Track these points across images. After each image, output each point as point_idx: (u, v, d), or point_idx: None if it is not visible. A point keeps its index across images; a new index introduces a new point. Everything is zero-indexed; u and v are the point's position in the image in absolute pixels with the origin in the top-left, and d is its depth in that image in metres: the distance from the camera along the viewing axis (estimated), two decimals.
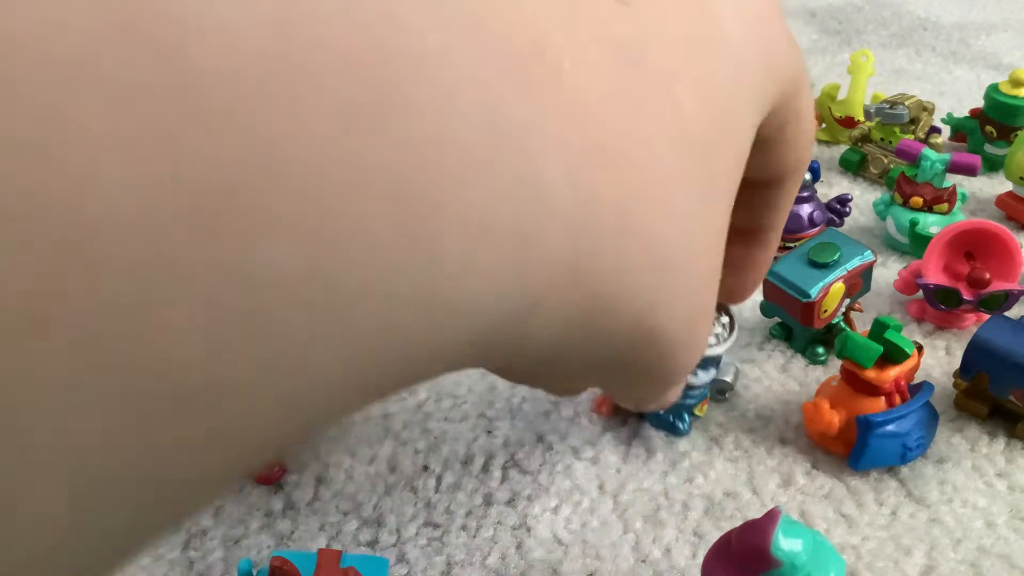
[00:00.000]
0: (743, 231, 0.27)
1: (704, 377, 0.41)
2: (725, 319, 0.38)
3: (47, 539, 0.09)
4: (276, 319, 0.10)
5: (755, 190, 0.25)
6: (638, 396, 0.24)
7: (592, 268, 0.14)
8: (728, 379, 0.45)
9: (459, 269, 0.12)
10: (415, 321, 0.12)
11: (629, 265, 0.15)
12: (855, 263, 0.46)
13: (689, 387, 0.41)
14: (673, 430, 0.44)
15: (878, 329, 0.40)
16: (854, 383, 0.41)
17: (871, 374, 0.40)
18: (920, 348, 0.42)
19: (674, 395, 0.25)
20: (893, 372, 0.40)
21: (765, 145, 0.22)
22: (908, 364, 0.41)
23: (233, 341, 0.09)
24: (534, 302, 0.14)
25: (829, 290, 0.45)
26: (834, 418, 0.41)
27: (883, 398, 0.41)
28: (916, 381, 0.43)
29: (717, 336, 0.38)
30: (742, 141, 0.18)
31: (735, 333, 0.38)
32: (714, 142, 0.17)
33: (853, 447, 0.41)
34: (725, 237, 0.19)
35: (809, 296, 0.45)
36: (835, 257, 0.45)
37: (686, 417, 0.43)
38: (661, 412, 0.43)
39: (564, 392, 0.21)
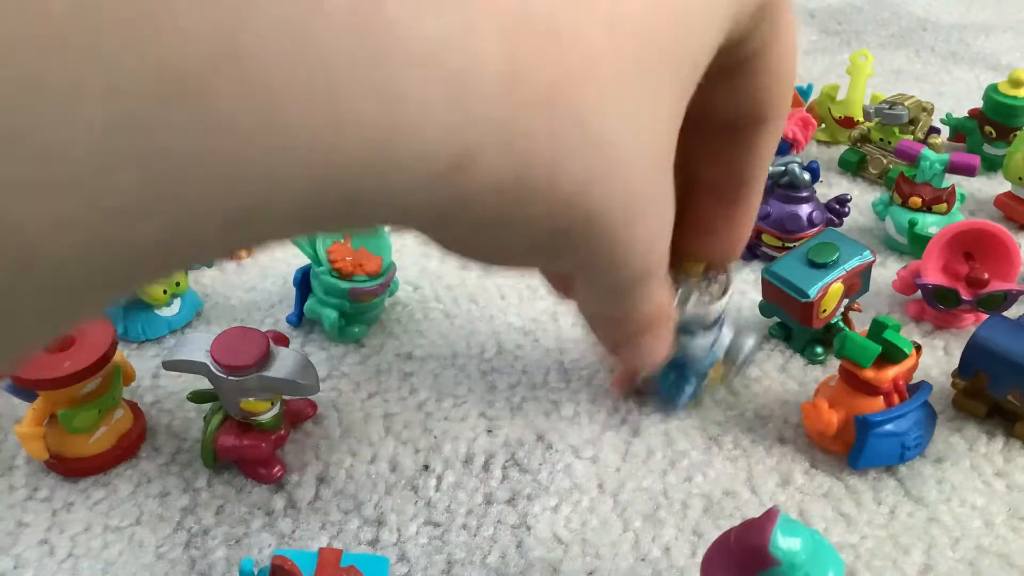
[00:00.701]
0: (722, 189, 0.26)
1: (702, 342, 0.39)
2: (722, 277, 0.37)
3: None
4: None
5: (732, 134, 0.24)
6: (597, 305, 0.23)
7: (525, 134, 0.15)
8: (747, 343, 0.42)
9: (407, 96, 0.13)
10: (361, 147, 0.13)
11: (561, 139, 0.15)
12: (854, 263, 0.46)
13: (686, 353, 0.39)
14: (675, 399, 0.43)
15: (877, 329, 0.41)
16: (853, 383, 0.41)
17: (869, 374, 0.40)
18: (918, 348, 0.43)
19: (650, 334, 0.24)
20: (892, 372, 0.40)
21: (741, 69, 0.22)
22: (907, 364, 0.41)
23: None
24: (467, 153, 0.14)
25: (828, 290, 0.45)
26: (833, 418, 0.41)
27: (881, 398, 0.41)
28: (914, 381, 0.43)
29: (706, 297, 0.37)
30: (701, 32, 0.18)
31: (728, 295, 0.37)
32: (661, 27, 0.17)
33: (852, 446, 0.41)
34: (675, 133, 0.19)
35: (808, 296, 0.45)
36: (834, 257, 0.46)
37: (687, 388, 0.42)
38: (672, 376, 0.42)
39: (505, 268, 0.21)
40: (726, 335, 0.44)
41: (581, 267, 0.20)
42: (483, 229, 0.16)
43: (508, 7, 0.14)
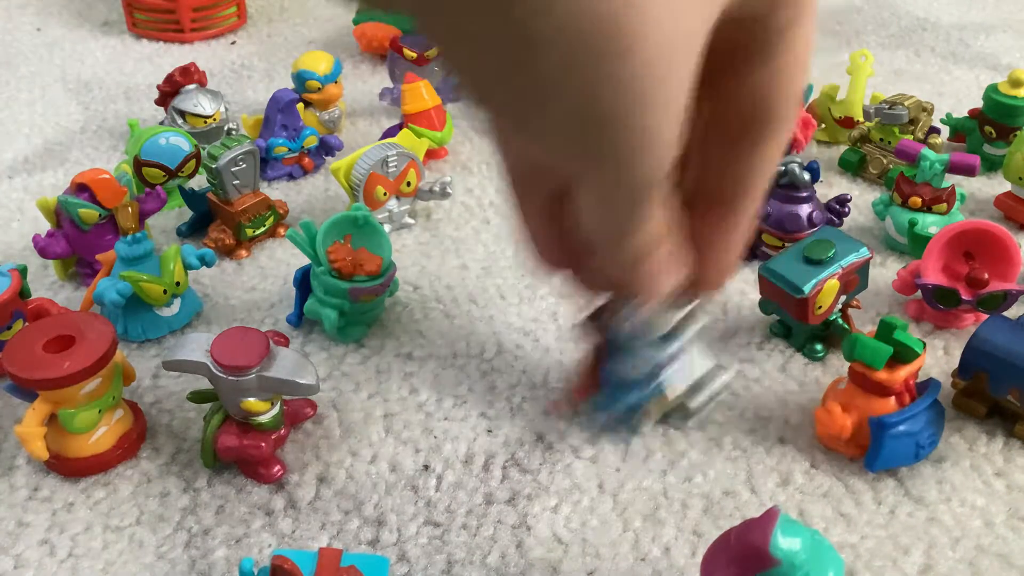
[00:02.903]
0: (719, 201, 0.26)
1: (641, 363, 0.35)
2: (688, 306, 0.35)
3: None
4: None
5: (738, 139, 0.24)
6: (599, 217, 0.22)
7: None
8: (696, 400, 0.38)
9: None
10: None
11: None
12: (850, 259, 0.46)
13: (622, 371, 0.35)
14: (617, 432, 0.40)
15: (886, 330, 0.40)
16: (864, 385, 0.41)
17: (882, 375, 0.40)
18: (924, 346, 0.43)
19: (653, 259, 0.24)
20: (903, 372, 0.40)
21: (756, 58, 0.22)
22: (917, 363, 0.41)
23: None
24: None
25: (823, 286, 0.45)
26: (847, 421, 0.41)
27: (893, 398, 0.41)
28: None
29: (663, 319, 0.35)
30: None
31: (698, 324, 0.35)
32: None
33: (867, 449, 0.41)
34: (702, 38, 0.19)
35: (803, 292, 0.45)
36: (830, 254, 0.46)
37: (610, 411, 0.37)
38: (615, 407, 0.39)
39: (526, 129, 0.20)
40: (695, 368, 0.41)
41: (595, 146, 0.19)
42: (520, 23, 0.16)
43: None
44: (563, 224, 0.27)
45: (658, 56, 0.17)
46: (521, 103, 0.19)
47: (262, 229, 0.59)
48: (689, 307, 0.34)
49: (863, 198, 0.64)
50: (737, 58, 0.22)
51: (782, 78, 0.22)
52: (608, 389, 0.39)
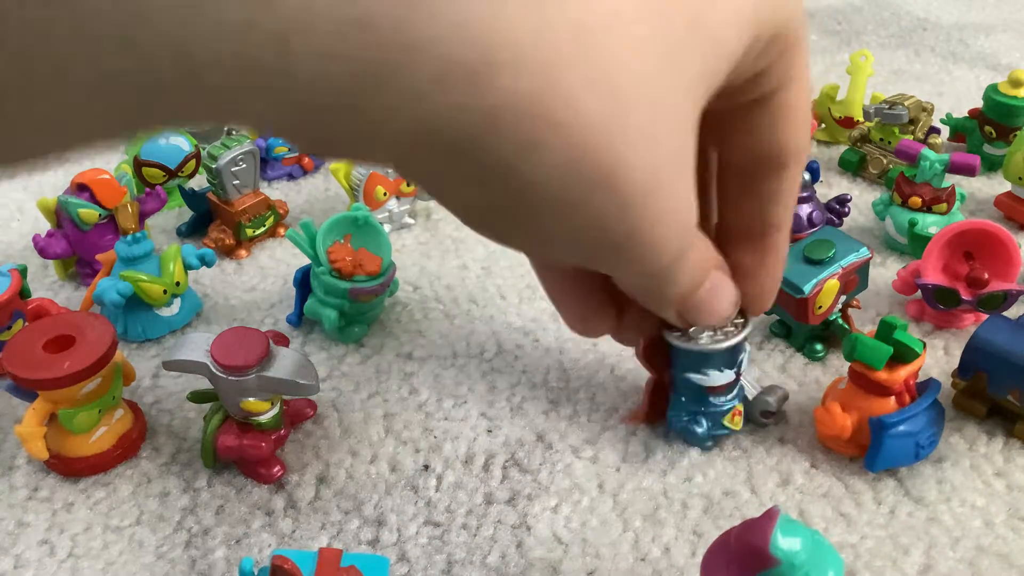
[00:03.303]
0: (750, 235, 0.27)
1: (721, 378, 0.40)
2: (739, 320, 0.38)
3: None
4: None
5: (754, 180, 0.25)
6: (635, 285, 0.23)
7: (548, 63, 0.15)
8: (770, 399, 0.43)
9: None
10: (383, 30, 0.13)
11: (582, 77, 0.15)
12: (850, 259, 0.46)
13: (709, 390, 0.40)
14: (689, 436, 0.42)
15: (886, 330, 0.40)
16: (864, 385, 0.41)
17: (882, 375, 0.40)
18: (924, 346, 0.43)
19: (682, 295, 0.25)
20: (903, 372, 0.40)
21: (760, 108, 0.22)
22: (917, 363, 0.41)
23: None
24: (490, 62, 0.14)
25: (823, 286, 0.45)
26: (847, 421, 0.41)
27: (893, 398, 0.41)
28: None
29: (728, 331, 0.38)
30: (724, 26, 0.18)
31: (748, 328, 0.38)
32: (683, 21, 0.17)
33: (867, 449, 0.41)
34: (696, 115, 0.19)
35: (802, 292, 0.45)
36: (830, 254, 0.46)
37: (703, 422, 0.41)
38: (684, 418, 0.42)
39: (537, 248, 0.21)
40: (752, 388, 0.44)
41: (611, 257, 0.20)
42: (505, 166, 0.16)
43: None
44: (591, 287, 0.28)
45: (644, 176, 0.18)
46: (521, 236, 0.19)
47: (262, 229, 0.59)
48: (741, 323, 0.37)
49: (863, 198, 0.64)
50: (739, 113, 0.23)
51: (787, 125, 0.23)
52: (680, 409, 0.41)
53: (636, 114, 0.17)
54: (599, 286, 0.28)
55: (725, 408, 0.41)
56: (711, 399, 0.41)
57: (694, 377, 0.40)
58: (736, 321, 0.38)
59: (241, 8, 0.13)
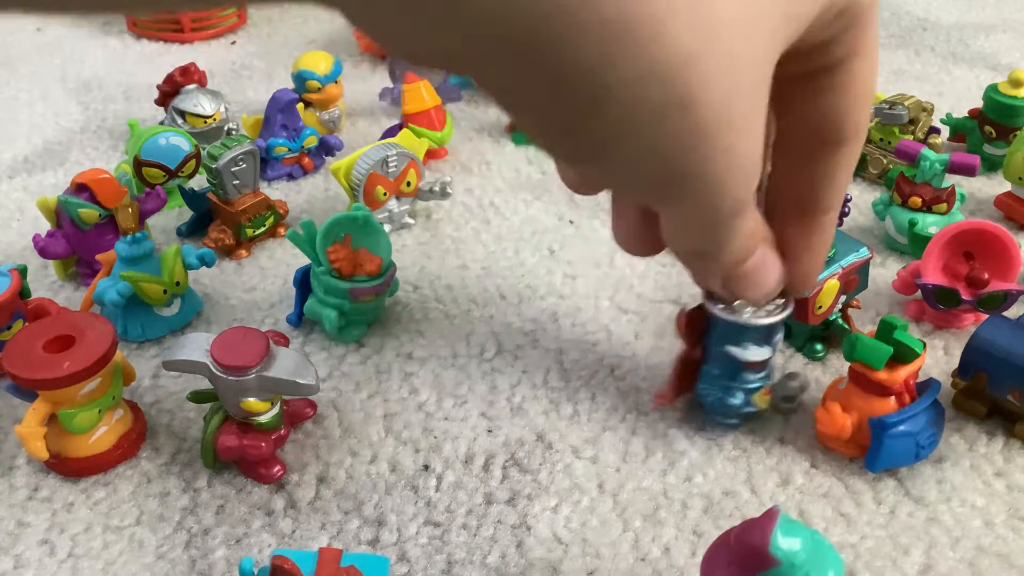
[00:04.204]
0: (800, 213, 0.26)
1: (760, 353, 0.40)
2: (780, 300, 0.39)
3: None
4: None
5: (812, 156, 0.25)
6: (688, 239, 0.23)
7: None
8: (794, 384, 0.43)
9: None
10: None
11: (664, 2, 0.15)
12: (850, 259, 0.46)
13: (745, 365, 0.41)
14: (724, 409, 0.42)
15: (886, 330, 0.40)
16: (864, 385, 0.41)
17: (882, 375, 0.40)
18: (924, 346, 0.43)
19: (732, 263, 0.24)
20: (903, 372, 0.40)
21: (825, 80, 0.22)
22: (917, 363, 0.41)
23: None
24: None
25: (823, 286, 0.45)
26: (847, 421, 0.41)
27: (893, 398, 0.41)
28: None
29: (769, 309, 0.39)
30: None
31: (790, 307, 0.39)
32: None
33: (867, 449, 0.41)
34: (773, 60, 0.19)
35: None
36: (830, 254, 0.46)
37: (739, 395, 0.42)
38: (717, 392, 0.42)
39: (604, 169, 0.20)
40: (777, 372, 0.44)
41: (672, 190, 0.19)
42: (581, 73, 0.16)
43: None
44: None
45: (721, 106, 0.17)
46: (589, 154, 0.19)
47: (262, 229, 0.59)
48: (783, 302, 0.37)
49: (863, 198, 0.64)
50: (804, 81, 0.23)
51: (849, 99, 0.23)
52: (713, 383, 0.41)
53: (719, 44, 0.17)
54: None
55: (757, 385, 0.42)
56: (746, 374, 0.41)
57: (733, 350, 0.40)
58: (777, 301, 0.39)
59: None
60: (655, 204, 0.21)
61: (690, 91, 0.17)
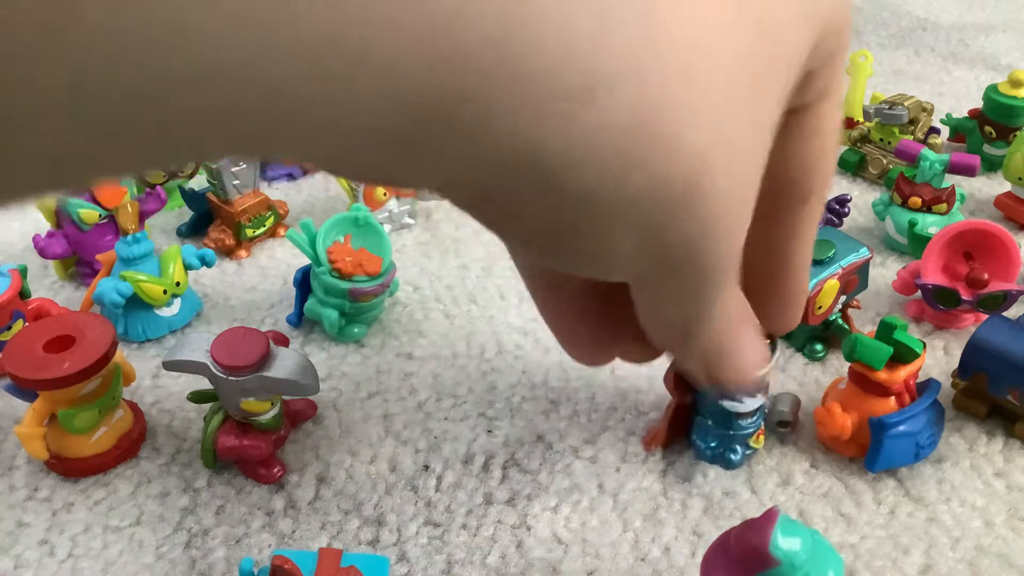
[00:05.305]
0: (767, 272, 0.25)
1: (752, 403, 0.40)
2: (768, 345, 0.38)
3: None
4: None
5: (774, 213, 0.22)
6: (667, 312, 0.20)
7: (646, 80, 0.14)
8: (785, 409, 0.44)
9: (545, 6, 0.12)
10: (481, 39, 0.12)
11: (683, 101, 0.14)
12: (850, 260, 0.46)
13: (738, 415, 0.40)
14: (725, 463, 0.42)
15: (886, 330, 0.40)
16: (864, 385, 0.41)
17: (882, 375, 0.40)
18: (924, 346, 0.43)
19: (736, 342, 0.23)
20: (903, 372, 0.40)
21: (794, 123, 0.20)
22: (917, 363, 0.41)
23: None
24: (600, 82, 0.13)
25: (823, 286, 0.45)
26: (847, 421, 0.41)
27: (893, 398, 0.41)
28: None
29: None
30: (792, 41, 0.17)
31: (777, 353, 0.38)
32: (755, 27, 0.16)
33: (867, 449, 0.41)
34: (772, 131, 0.18)
35: None
36: (829, 254, 0.45)
37: (738, 449, 0.42)
38: (713, 444, 0.42)
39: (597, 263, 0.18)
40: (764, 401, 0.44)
41: (659, 270, 0.18)
42: (588, 192, 0.15)
43: None
44: (600, 314, 0.25)
45: (728, 197, 0.16)
46: (581, 262, 0.18)
47: (262, 229, 0.59)
48: (772, 347, 0.38)
49: (863, 198, 0.64)
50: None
51: (817, 145, 0.21)
52: (707, 433, 0.41)
53: (726, 133, 0.16)
54: (608, 311, 0.26)
55: (751, 431, 0.42)
56: (739, 423, 0.41)
57: (727, 404, 0.40)
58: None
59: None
60: (639, 286, 0.20)
61: (700, 191, 0.16)
